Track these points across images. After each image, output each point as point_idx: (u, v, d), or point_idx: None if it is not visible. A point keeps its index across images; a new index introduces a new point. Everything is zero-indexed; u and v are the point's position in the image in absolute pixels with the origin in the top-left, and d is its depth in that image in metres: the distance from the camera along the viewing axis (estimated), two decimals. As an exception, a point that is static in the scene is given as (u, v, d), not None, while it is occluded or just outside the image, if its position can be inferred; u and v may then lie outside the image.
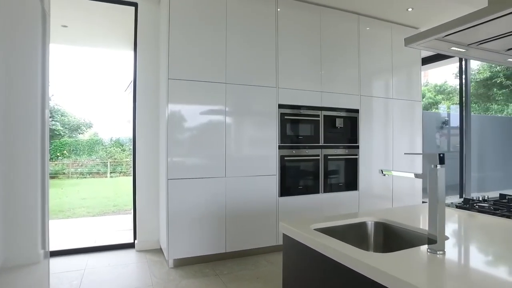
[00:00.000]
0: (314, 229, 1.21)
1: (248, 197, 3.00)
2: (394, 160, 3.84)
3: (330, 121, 3.43)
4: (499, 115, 8.14)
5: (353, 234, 1.36)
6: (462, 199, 1.74)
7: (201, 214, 2.83)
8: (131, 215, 3.85)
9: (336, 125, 3.46)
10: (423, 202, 4.14)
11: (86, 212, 7.02)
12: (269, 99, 3.11)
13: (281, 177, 3.16)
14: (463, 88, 4.91)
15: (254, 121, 3.04)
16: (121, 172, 14.73)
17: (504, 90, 7.97)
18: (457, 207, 1.62)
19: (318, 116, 3.37)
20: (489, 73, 8.19)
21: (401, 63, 3.95)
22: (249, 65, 3.04)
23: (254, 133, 3.04)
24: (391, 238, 1.33)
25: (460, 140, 4.83)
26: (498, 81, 7.96)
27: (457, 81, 5.93)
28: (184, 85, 2.78)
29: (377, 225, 1.38)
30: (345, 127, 3.51)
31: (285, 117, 3.18)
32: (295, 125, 3.28)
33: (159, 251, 3.26)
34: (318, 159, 3.36)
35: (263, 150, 3.06)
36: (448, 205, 1.64)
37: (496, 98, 8.01)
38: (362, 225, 1.39)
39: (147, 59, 3.31)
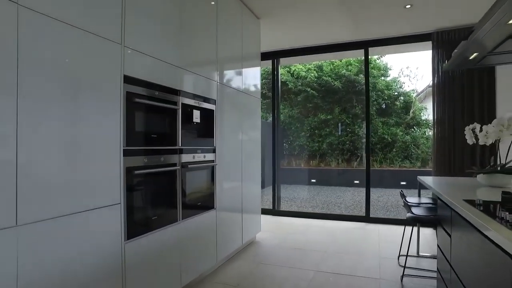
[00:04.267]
0: None
1: (65, 258, 1.46)
2: (243, 166, 3.32)
3: (187, 113, 2.40)
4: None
5: None
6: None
7: None
8: None
9: (193, 120, 2.48)
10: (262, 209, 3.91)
11: None
12: (106, 63, 1.69)
13: (128, 206, 1.81)
14: (275, 91, 5.18)
15: (72, 103, 1.51)
16: None
17: (267, 100, 9.52)
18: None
19: (176, 104, 2.26)
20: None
21: (249, 55, 3.50)
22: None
23: (72, 127, 1.51)
24: None
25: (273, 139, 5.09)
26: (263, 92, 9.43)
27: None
28: None
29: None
30: (202, 123, 2.60)
31: (136, 100, 1.86)
32: (149, 115, 2.02)
33: None
34: (176, 170, 2.25)
35: (92, 161, 1.60)
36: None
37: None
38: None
39: None
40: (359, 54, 5.18)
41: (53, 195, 1.39)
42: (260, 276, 2.74)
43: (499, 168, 2.19)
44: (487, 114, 3.84)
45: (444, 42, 4.04)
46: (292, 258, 3.15)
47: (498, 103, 3.82)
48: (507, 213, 1.26)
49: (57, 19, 1.41)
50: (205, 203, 2.64)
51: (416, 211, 2.50)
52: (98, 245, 1.62)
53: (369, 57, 4.63)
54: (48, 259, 1.38)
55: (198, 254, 2.52)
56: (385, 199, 7.60)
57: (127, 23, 1.81)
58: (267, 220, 4.64)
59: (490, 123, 3.92)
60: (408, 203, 2.56)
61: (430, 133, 9.97)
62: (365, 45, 4.58)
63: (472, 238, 1.40)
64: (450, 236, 1.79)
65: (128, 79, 1.82)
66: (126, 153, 1.80)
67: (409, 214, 2.45)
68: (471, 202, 1.57)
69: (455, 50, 1.94)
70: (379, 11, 3.52)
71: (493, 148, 3.68)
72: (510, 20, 1.28)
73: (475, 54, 1.86)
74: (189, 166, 2.38)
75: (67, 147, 1.47)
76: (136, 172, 1.84)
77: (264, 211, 4.05)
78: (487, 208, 1.44)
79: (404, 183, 9.06)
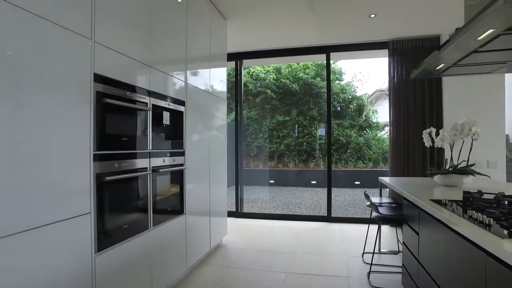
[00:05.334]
0: None
1: (25, 278, 1.32)
2: (211, 168, 3.27)
3: (157, 115, 2.31)
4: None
5: None
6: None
7: None
8: None
9: (163, 122, 2.39)
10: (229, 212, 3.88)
11: None
12: (73, 59, 1.56)
13: (98, 215, 1.69)
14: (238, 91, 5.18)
15: (35, 105, 1.37)
16: None
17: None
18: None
19: (146, 105, 2.16)
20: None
21: (216, 56, 3.46)
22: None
23: (25, 131, 1.37)
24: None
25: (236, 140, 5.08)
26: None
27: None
28: None
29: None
30: (171, 125, 2.51)
31: (107, 100, 1.74)
32: (120, 117, 1.91)
33: None
34: (147, 174, 2.15)
35: (57, 168, 1.47)
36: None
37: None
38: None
39: None
40: (321, 58, 5.37)
41: (10, 210, 1.25)
42: (232, 280, 2.71)
43: (451, 169, 2.41)
44: (436, 119, 4.20)
45: (398, 50, 4.35)
46: (261, 261, 3.17)
47: (444, 109, 4.20)
48: (474, 211, 1.40)
49: (10, 2, 1.25)
50: (175, 208, 2.56)
51: (382, 210, 2.66)
52: (66, 262, 1.49)
53: (326, 61, 4.82)
54: (3, 280, 1.23)
55: (169, 261, 2.44)
56: (341, 198, 7.96)
57: (98, 16, 1.68)
58: (231, 223, 4.62)
59: (438, 127, 4.28)
60: (375, 204, 2.71)
61: (381, 134, 10.66)
62: (327, 49, 4.77)
63: (443, 235, 1.52)
64: (418, 234, 1.93)
65: (98, 78, 1.70)
66: (96, 158, 1.68)
67: (376, 214, 2.60)
68: (438, 202, 1.71)
69: (425, 60, 2.11)
70: (344, 18, 3.68)
71: (441, 150, 4.05)
72: (479, 36, 1.43)
73: (442, 65, 2.04)
74: (159, 170, 2.28)
75: (21, 155, 1.33)
76: (108, 178, 1.72)
77: (228, 214, 4.01)
78: (454, 207, 1.57)
79: (358, 182, 9.58)
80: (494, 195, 1.65)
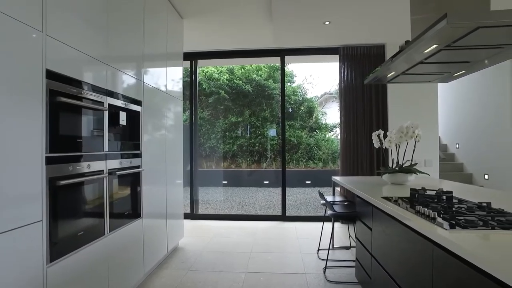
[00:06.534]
0: None
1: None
2: (167, 170, 3.19)
3: (114, 115, 2.21)
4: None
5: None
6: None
7: None
8: None
9: (120, 122, 2.30)
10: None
11: None
12: (21, 53, 1.44)
13: (51, 223, 1.57)
14: (193, 91, 5.12)
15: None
16: None
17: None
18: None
19: (103, 104, 2.05)
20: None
21: (173, 55, 3.39)
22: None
23: None
24: None
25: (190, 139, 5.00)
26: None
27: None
28: None
29: None
30: (128, 126, 2.42)
31: (61, 99, 1.63)
32: (75, 117, 1.79)
33: None
34: (103, 177, 2.05)
35: (7, 171, 1.35)
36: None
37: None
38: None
39: None
40: (276, 61, 5.50)
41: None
42: (191, 283, 2.68)
43: (397, 168, 2.65)
44: (381, 122, 4.55)
45: (348, 56, 4.63)
46: (219, 262, 3.17)
47: (389, 112, 4.57)
48: (421, 206, 1.56)
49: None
50: (132, 212, 2.46)
51: (337, 208, 2.82)
52: (13, 276, 1.37)
53: (281, 64, 4.98)
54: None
55: (126, 267, 2.34)
56: (294, 197, 8.22)
57: (50, 7, 1.57)
58: (187, 225, 4.55)
59: (384, 129, 4.63)
60: (330, 202, 2.87)
61: (330, 135, 11.20)
62: (282, 53, 4.91)
63: (394, 229, 1.68)
64: (371, 229, 2.09)
65: (51, 75, 1.58)
66: (49, 160, 1.56)
67: (331, 212, 2.75)
68: (389, 199, 1.88)
69: (377, 68, 2.29)
70: (301, 24, 3.82)
71: (387, 151, 4.40)
72: (425, 50, 1.60)
73: (392, 73, 2.23)
74: (116, 173, 2.18)
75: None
76: (62, 182, 1.61)
77: (183, 216, 3.95)
78: (404, 203, 1.74)
79: (309, 182, 9.97)
80: (435, 191, 1.85)
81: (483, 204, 1.57)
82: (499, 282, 0.88)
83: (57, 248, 1.62)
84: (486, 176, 5.14)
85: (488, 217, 1.34)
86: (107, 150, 2.10)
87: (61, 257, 1.64)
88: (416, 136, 2.55)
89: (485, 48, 1.71)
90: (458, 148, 6.14)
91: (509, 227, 1.20)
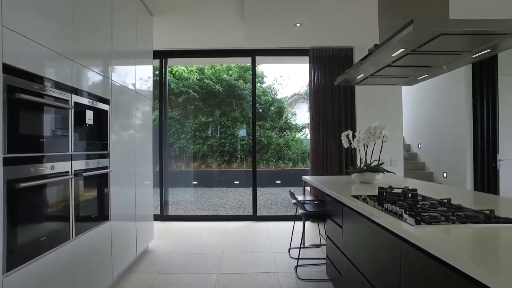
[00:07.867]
0: None
1: None
2: (136, 170, 3.09)
3: (80, 114, 2.11)
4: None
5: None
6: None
7: None
8: None
9: (86, 122, 2.20)
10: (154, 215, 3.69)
11: None
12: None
13: (9, 229, 1.47)
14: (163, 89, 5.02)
15: None
16: None
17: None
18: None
19: (68, 102, 1.95)
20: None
21: (142, 53, 3.29)
22: None
23: None
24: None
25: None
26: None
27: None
28: None
29: None
30: (95, 125, 2.32)
31: (20, 95, 1.53)
32: (37, 116, 1.69)
33: None
34: (68, 179, 1.95)
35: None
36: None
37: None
38: None
39: None
40: (247, 61, 5.51)
41: None
42: (162, 286, 2.62)
43: (365, 168, 2.75)
44: (350, 122, 4.70)
45: (318, 58, 4.74)
46: (191, 264, 3.12)
47: (357, 113, 4.73)
48: (389, 204, 1.63)
49: None
50: (100, 214, 2.36)
51: (307, 207, 2.88)
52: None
53: (252, 64, 5.00)
54: None
55: (94, 272, 2.24)
56: (264, 197, 8.29)
57: (9, -1, 1.47)
58: (157, 227, 4.43)
59: (352, 129, 4.77)
60: (301, 202, 2.92)
61: (299, 136, 11.40)
62: (253, 53, 4.93)
63: (364, 227, 1.74)
64: (341, 227, 2.15)
65: (9, 69, 1.48)
66: (7, 162, 1.46)
67: (302, 211, 2.80)
68: (358, 197, 1.94)
69: (347, 70, 2.36)
70: (272, 25, 3.85)
71: (355, 151, 4.55)
72: (393, 53, 1.67)
73: (361, 75, 2.31)
74: (82, 174, 2.09)
75: None
76: (22, 185, 1.52)
77: (153, 217, 3.84)
78: (373, 201, 1.81)
79: (279, 181, 10.08)
80: (402, 189, 1.95)
81: (444, 200, 1.67)
82: (459, 273, 0.94)
83: (16, 255, 1.51)
84: (445, 174, 5.46)
85: (449, 212, 1.43)
86: (72, 151, 2.00)
87: (20, 265, 1.54)
88: (383, 137, 2.66)
89: (445, 54, 1.82)
90: (420, 148, 6.48)
91: (466, 221, 1.29)
